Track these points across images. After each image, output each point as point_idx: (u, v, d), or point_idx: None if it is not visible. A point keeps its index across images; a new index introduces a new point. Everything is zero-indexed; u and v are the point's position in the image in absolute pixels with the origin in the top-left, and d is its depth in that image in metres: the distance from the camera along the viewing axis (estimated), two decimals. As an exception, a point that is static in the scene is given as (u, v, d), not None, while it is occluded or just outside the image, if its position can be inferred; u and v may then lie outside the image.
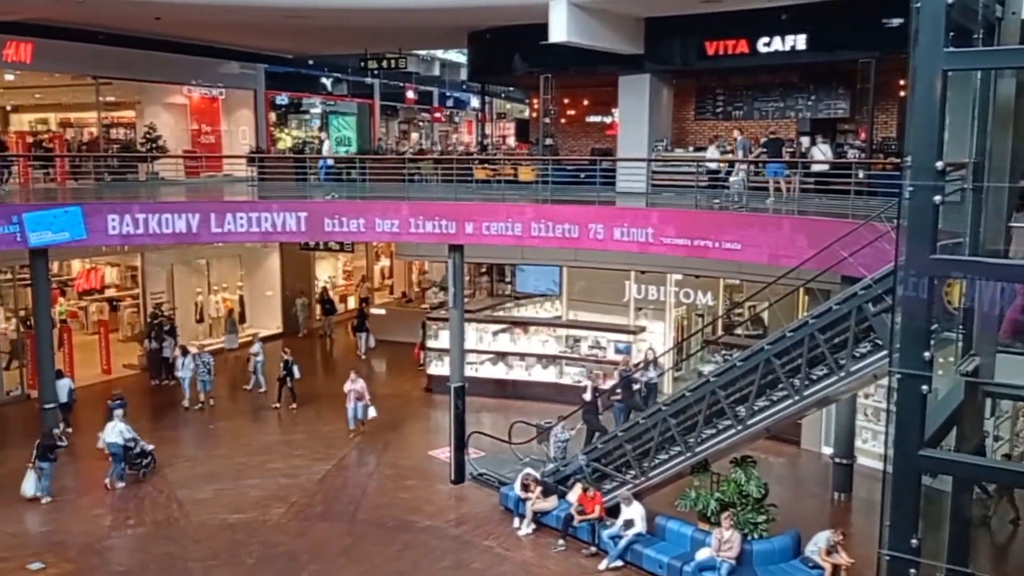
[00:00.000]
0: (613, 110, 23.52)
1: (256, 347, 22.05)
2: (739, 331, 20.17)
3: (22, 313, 21.33)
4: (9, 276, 21.24)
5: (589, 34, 18.67)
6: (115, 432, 16.23)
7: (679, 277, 20.26)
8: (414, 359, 24.18)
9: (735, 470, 13.22)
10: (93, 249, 21.35)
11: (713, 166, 18.13)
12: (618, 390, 17.56)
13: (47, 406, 18.03)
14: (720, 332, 20.65)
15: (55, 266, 22.35)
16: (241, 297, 26.93)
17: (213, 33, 24.63)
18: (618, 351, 20.64)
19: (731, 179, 16.71)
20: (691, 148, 22.11)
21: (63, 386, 18.43)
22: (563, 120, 25.09)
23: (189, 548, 13.67)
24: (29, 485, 15.35)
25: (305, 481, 16.28)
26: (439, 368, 21.61)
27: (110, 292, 25.82)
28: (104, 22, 22.04)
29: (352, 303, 30.01)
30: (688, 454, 13.16)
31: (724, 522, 12.44)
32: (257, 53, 28.41)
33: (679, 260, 17.44)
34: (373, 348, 25.96)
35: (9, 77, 23.84)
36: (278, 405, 20.59)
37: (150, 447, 16.76)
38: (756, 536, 12.63)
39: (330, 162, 21.53)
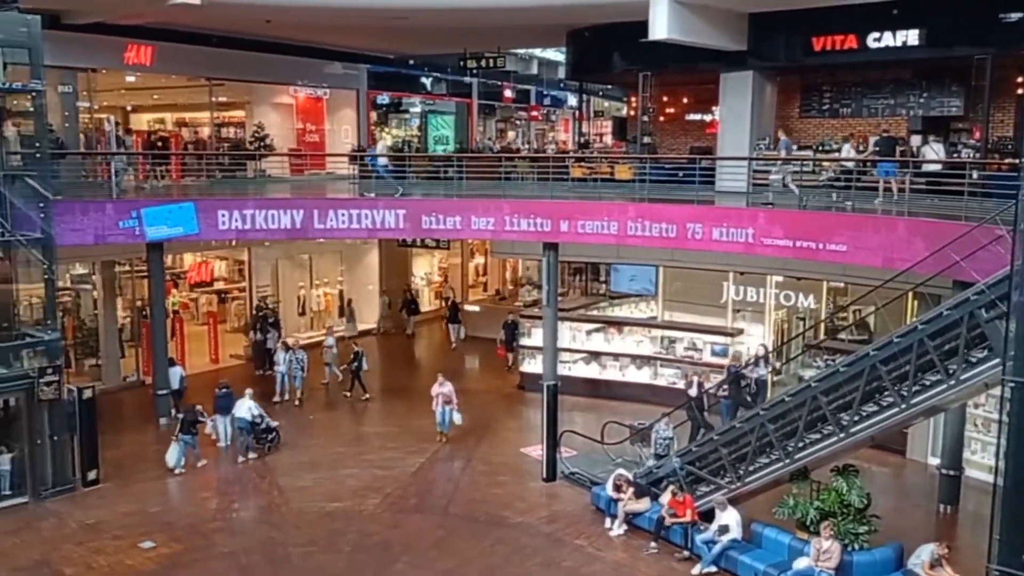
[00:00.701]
0: (713, 108, 23.13)
1: (330, 340, 22.48)
2: (843, 335, 19.56)
3: (139, 303, 22.42)
4: (127, 268, 22.36)
5: (690, 31, 18.41)
6: (244, 408, 17.47)
7: (780, 279, 19.79)
8: (500, 359, 24.32)
9: (836, 479, 12.84)
10: (204, 243, 22.34)
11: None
12: (726, 386, 17.28)
13: (160, 392, 19.04)
14: (822, 336, 20.08)
15: (169, 259, 23.38)
16: (341, 292, 27.63)
17: (319, 35, 25.37)
18: (714, 353, 20.33)
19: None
20: (795, 147, 21.56)
21: (175, 373, 19.37)
22: (662, 118, 24.81)
23: (290, 534, 14.13)
24: (172, 456, 16.49)
25: (399, 473, 16.61)
26: (532, 366, 21.70)
27: (219, 285, 26.87)
28: (218, 25, 22.97)
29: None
30: (787, 460, 12.84)
31: (824, 531, 12.10)
32: (360, 54, 29.11)
33: (780, 262, 17.08)
34: (463, 339, 26.38)
35: (130, 79, 25.14)
36: (369, 395, 21.10)
37: (275, 424, 17.94)
38: (857, 547, 12.24)
39: (382, 160, 22.05)
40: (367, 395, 21.15)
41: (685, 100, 25.05)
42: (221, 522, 14.59)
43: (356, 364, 21.08)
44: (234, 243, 23.39)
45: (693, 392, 17.06)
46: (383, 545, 13.79)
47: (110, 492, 15.53)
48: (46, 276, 15.34)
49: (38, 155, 15.49)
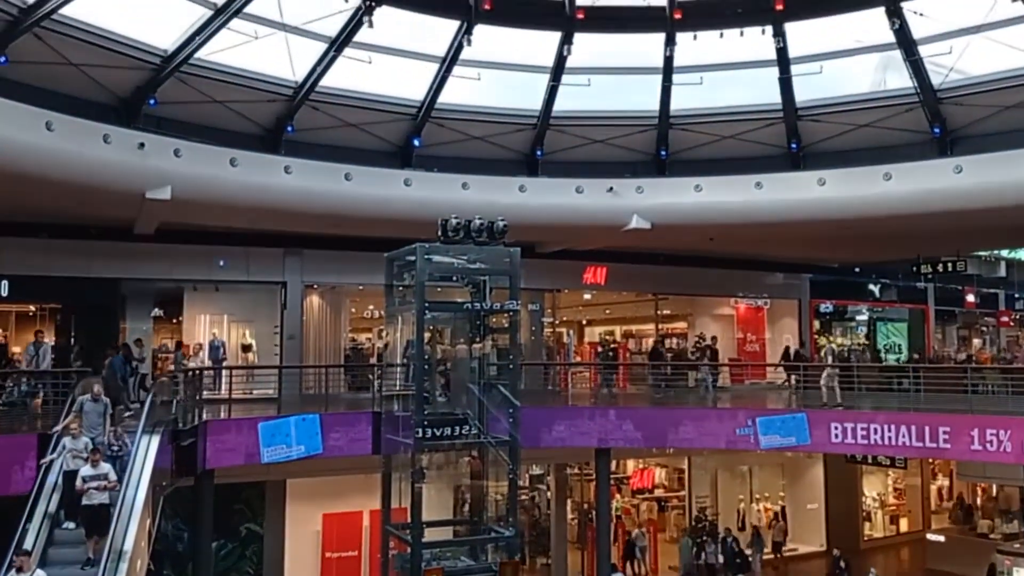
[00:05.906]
0: None
1: None
2: None
3: (584, 506, 23.43)
4: (576, 471, 23.68)
5: None
6: None
7: None
8: None
9: None
10: (646, 450, 22.91)
11: None
12: None
13: (601, 598, 19.28)
14: None
15: (613, 464, 24.33)
16: (783, 508, 26.20)
17: (760, 248, 25.86)
18: None
19: None
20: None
21: (616, 580, 19.59)
22: None
23: None
24: None
25: None
26: (1017, 613, 18.24)
27: (659, 492, 27.11)
28: (665, 246, 24.64)
29: (903, 525, 27.39)
30: None
31: None
32: (802, 264, 29.00)
33: None
34: None
35: (586, 296, 27.82)
36: None
37: None
38: None
39: None
40: None
41: None
42: None
43: None
44: (671, 451, 23.58)
45: None
46: None
47: None
48: (510, 476, 16.79)
49: (511, 366, 17.45)
